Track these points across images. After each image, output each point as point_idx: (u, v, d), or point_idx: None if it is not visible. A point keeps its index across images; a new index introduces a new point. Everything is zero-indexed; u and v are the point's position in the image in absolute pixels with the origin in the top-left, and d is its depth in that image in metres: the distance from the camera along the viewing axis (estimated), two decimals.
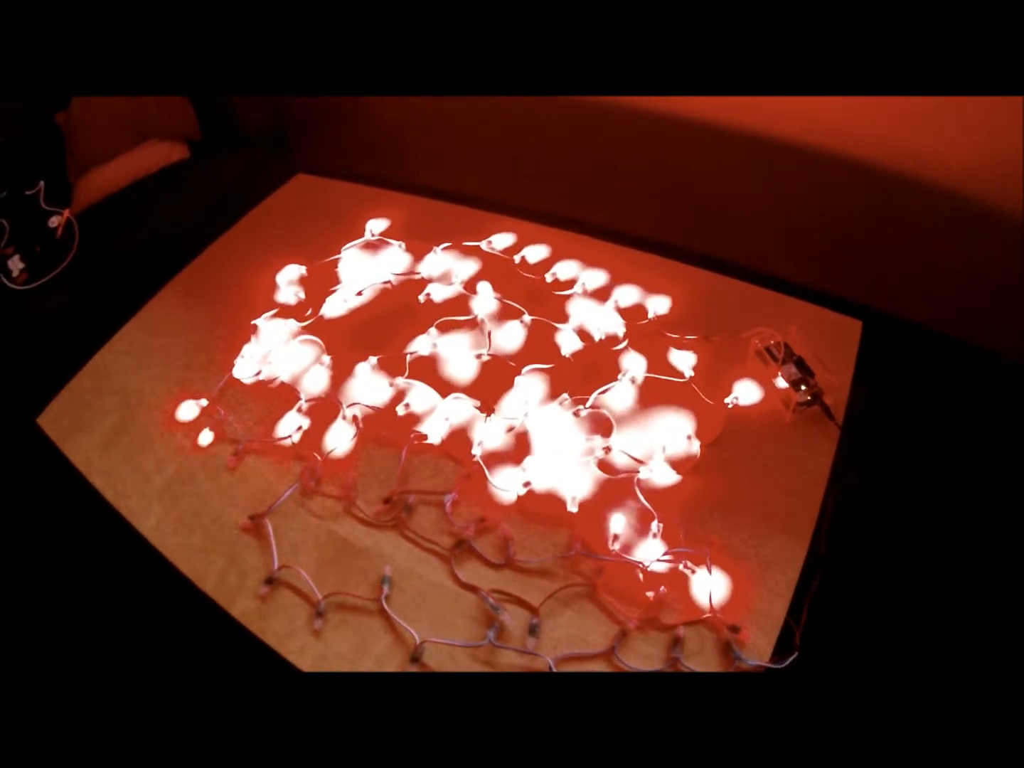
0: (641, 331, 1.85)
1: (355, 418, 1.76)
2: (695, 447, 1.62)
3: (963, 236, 2.06)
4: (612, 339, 1.85)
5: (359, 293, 2.07)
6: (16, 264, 2.46)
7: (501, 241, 2.15)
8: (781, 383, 1.66)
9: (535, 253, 2.10)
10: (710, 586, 1.41)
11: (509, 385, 1.78)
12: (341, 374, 1.87)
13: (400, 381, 1.82)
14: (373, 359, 1.87)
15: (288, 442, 1.74)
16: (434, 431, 1.71)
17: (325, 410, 1.80)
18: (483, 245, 2.14)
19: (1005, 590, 1.48)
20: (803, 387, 1.63)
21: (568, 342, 1.85)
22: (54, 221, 2.53)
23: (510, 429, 1.70)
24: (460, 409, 1.75)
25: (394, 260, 2.15)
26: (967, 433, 1.69)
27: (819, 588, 1.44)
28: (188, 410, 1.85)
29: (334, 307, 2.04)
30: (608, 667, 1.35)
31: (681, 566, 1.45)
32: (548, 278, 2.01)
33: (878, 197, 2.16)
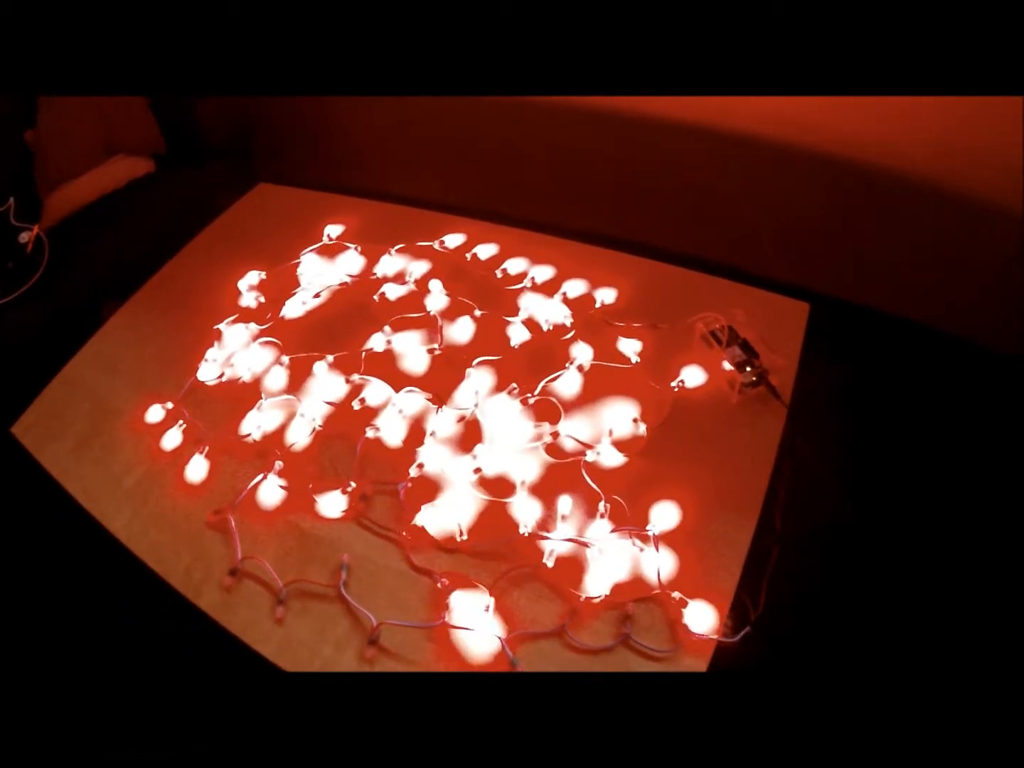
0: (588, 321, 1.91)
1: (313, 415, 1.81)
2: (642, 430, 1.66)
3: (944, 228, 2.10)
4: (560, 330, 1.89)
5: (317, 295, 2.12)
6: None
7: (453, 241, 2.20)
8: (727, 366, 1.71)
9: (485, 251, 2.15)
10: (658, 563, 1.45)
11: (461, 377, 1.82)
12: (300, 373, 1.92)
13: (355, 377, 1.86)
14: (330, 357, 1.92)
15: (250, 440, 1.79)
16: (389, 426, 1.76)
17: (284, 408, 1.85)
18: (435, 245, 2.19)
19: (956, 561, 1.52)
20: (748, 368, 1.68)
21: (517, 334, 1.90)
22: (24, 237, 2.57)
23: (461, 419, 1.75)
24: (413, 402, 1.80)
25: (350, 262, 2.21)
26: (926, 414, 1.72)
27: (776, 565, 1.47)
28: (155, 414, 1.90)
29: (293, 309, 2.10)
30: (560, 644, 1.39)
31: (631, 543, 1.48)
32: (498, 274, 2.07)
33: (855, 190, 2.20)
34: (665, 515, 1.53)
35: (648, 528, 1.50)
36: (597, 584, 1.45)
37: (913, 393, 1.77)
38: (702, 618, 1.38)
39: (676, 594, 1.40)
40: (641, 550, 1.48)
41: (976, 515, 1.57)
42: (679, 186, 2.46)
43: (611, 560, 1.48)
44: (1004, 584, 1.48)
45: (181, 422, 1.86)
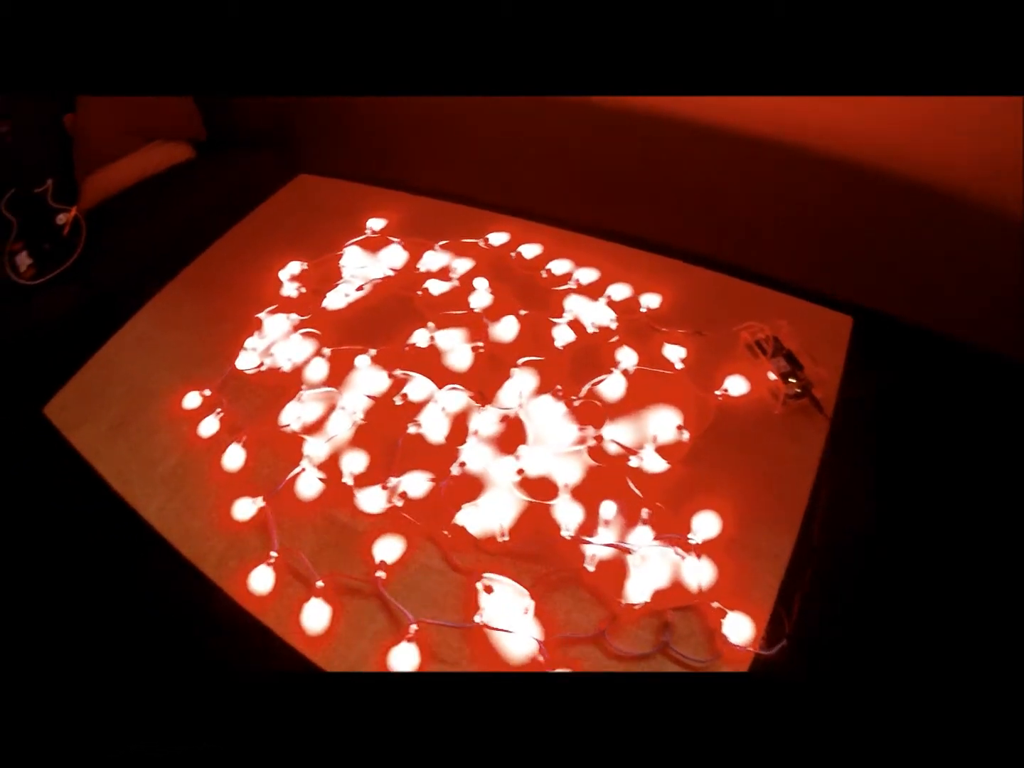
0: (633, 325, 1.89)
1: (354, 408, 1.79)
2: (685, 437, 1.64)
3: (961, 235, 2.08)
4: (605, 333, 1.87)
5: (359, 288, 2.11)
6: (24, 260, 2.49)
7: (496, 238, 2.19)
8: (771, 376, 1.69)
9: (529, 250, 2.13)
10: (699, 572, 1.43)
11: (504, 376, 1.81)
12: (341, 366, 1.91)
13: (398, 372, 1.85)
14: (372, 351, 1.91)
15: (288, 431, 1.78)
16: (432, 423, 1.74)
17: (325, 400, 1.84)
18: (480, 242, 2.18)
19: (994, 583, 1.50)
20: (792, 380, 1.66)
21: (562, 335, 1.88)
22: (61, 219, 2.57)
23: (504, 419, 1.73)
24: (456, 399, 1.78)
25: (393, 256, 2.19)
26: (961, 431, 1.70)
27: (812, 579, 1.45)
28: (192, 400, 1.89)
29: (335, 301, 2.08)
30: (598, 650, 1.38)
31: (672, 552, 1.47)
32: (543, 274, 2.05)
33: (874, 196, 2.18)
34: (706, 524, 1.51)
35: (690, 536, 1.48)
36: (637, 591, 1.43)
37: (952, 409, 1.75)
38: (740, 629, 1.36)
39: (715, 604, 1.38)
40: (682, 558, 1.46)
41: (1019, 534, 1.55)
42: (720, 193, 2.45)
43: (652, 567, 1.46)
44: None
45: (219, 410, 1.84)
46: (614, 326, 1.88)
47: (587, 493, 1.59)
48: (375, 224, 2.31)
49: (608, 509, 1.54)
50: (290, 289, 2.14)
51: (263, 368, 1.94)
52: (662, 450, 1.63)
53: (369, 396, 1.83)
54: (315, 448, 1.73)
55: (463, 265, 2.12)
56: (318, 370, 1.91)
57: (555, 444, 1.67)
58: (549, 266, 2.06)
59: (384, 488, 1.64)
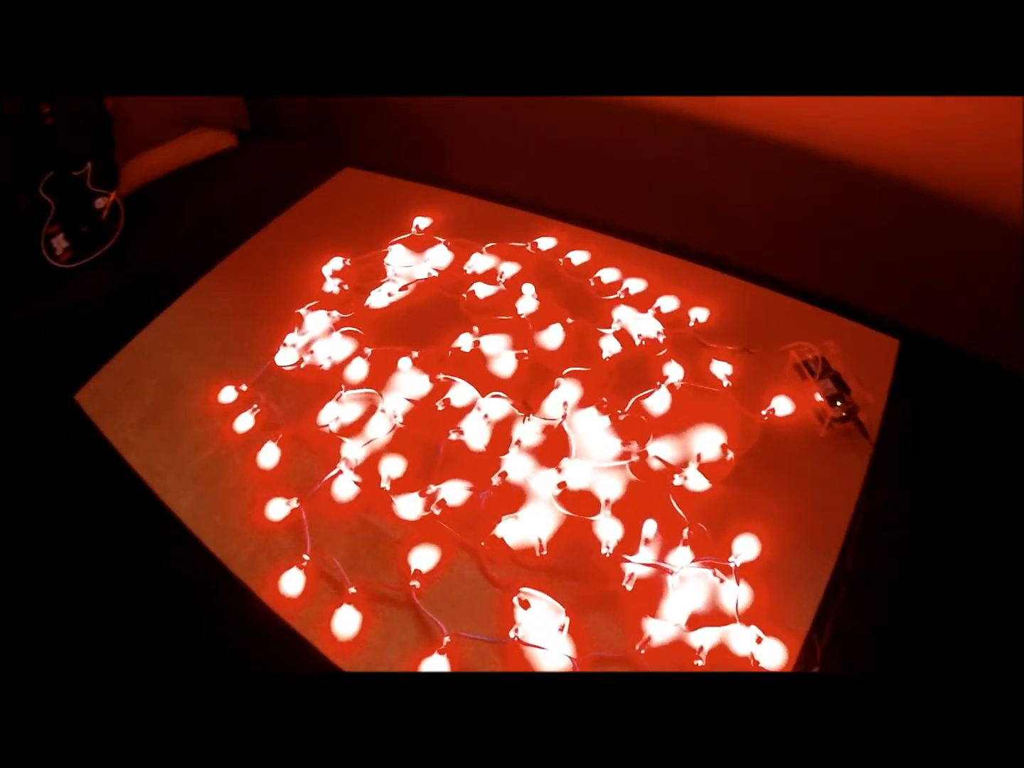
0: (680, 339, 1.86)
1: (394, 411, 1.77)
2: (729, 457, 1.62)
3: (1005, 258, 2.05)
4: (652, 345, 1.84)
5: (403, 288, 2.08)
6: (60, 243, 2.49)
7: (545, 243, 2.16)
8: (817, 398, 1.66)
9: (578, 257, 2.10)
10: (737, 596, 1.41)
11: (549, 386, 1.78)
12: (382, 367, 1.88)
13: (440, 377, 1.82)
14: (415, 353, 1.88)
15: (326, 431, 1.75)
16: (473, 430, 1.72)
17: (364, 401, 1.81)
18: (527, 247, 2.15)
19: None
20: (839, 403, 1.63)
21: (608, 346, 1.85)
22: (100, 203, 2.56)
23: (548, 429, 1.71)
24: (499, 407, 1.76)
25: (439, 257, 2.17)
26: (1001, 458, 1.68)
27: (844, 605, 1.43)
28: (228, 394, 1.86)
29: (378, 300, 2.06)
30: (631, 670, 1.36)
31: (710, 574, 1.45)
32: (591, 282, 2.02)
33: (919, 214, 2.16)
34: (746, 546, 1.48)
35: (730, 560, 1.45)
36: (674, 612, 1.41)
37: (990, 436, 1.72)
38: (774, 654, 1.34)
39: (752, 628, 1.36)
40: (721, 581, 1.43)
41: None
42: (767, 206, 2.43)
43: (690, 589, 1.44)
44: None
45: (255, 406, 1.82)
46: (661, 339, 1.85)
47: (628, 510, 1.56)
48: (421, 222, 2.29)
49: (649, 528, 1.51)
50: (332, 285, 2.12)
51: (302, 365, 1.91)
52: (705, 469, 1.60)
53: (410, 400, 1.80)
54: (353, 450, 1.70)
55: (510, 269, 2.09)
56: (358, 370, 1.89)
57: (598, 458, 1.64)
58: (598, 274, 2.03)
59: (422, 495, 1.61)
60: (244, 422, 1.80)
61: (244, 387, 1.87)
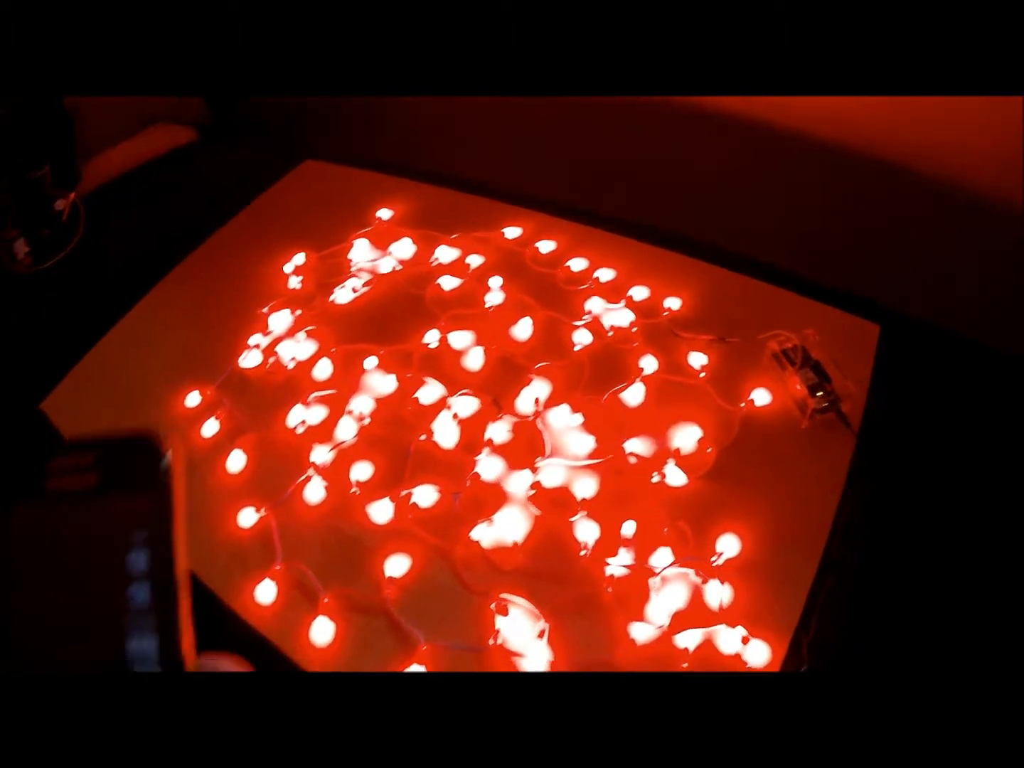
0: (654, 329, 1.83)
1: (361, 413, 1.73)
2: (708, 451, 1.59)
3: (989, 239, 2.04)
4: (624, 337, 1.81)
5: (368, 283, 2.04)
6: (21, 247, 2.43)
7: (512, 233, 2.12)
8: (797, 388, 1.64)
9: (545, 246, 2.07)
10: (720, 595, 1.38)
11: (519, 381, 1.75)
12: (348, 366, 1.84)
13: (408, 376, 1.78)
14: (381, 351, 1.84)
15: (294, 434, 1.71)
16: (443, 430, 1.68)
17: (331, 403, 1.77)
18: (494, 237, 2.12)
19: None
20: (820, 393, 1.60)
21: (580, 339, 1.82)
22: (60, 204, 2.51)
23: (520, 427, 1.67)
24: (469, 405, 1.72)
25: (404, 249, 2.12)
26: (986, 443, 1.65)
27: (831, 599, 1.41)
28: (193, 399, 1.81)
29: (342, 296, 2.02)
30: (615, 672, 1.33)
31: (692, 574, 1.42)
32: (560, 273, 1.99)
33: (897, 196, 2.14)
34: (728, 545, 1.45)
35: (712, 559, 1.43)
36: (656, 613, 1.38)
37: (976, 420, 1.69)
38: (761, 654, 1.32)
39: (737, 628, 1.33)
40: (704, 581, 1.40)
41: None
42: (742, 188, 2.40)
43: (672, 589, 1.41)
44: None
45: (219, 411, 1.78)
46: (634, 330, 1.82)
47: (606, 509, 1.53)
48: (385, 215, 2.25)
49: (628, 528, 1.48)
50: (295, 283, 2.07)
51: (267, 367, 1.87)
52: (684, 464, 1.58)
53: (377, 400, 1.75)
54: (321, 455, 1.66)
55: (476, 260, 2.06)
56: (324, 370, 1.84)
57: (573, 456, 1.62)
58: (567, 264, 2.01)
59: (393, 500, 1.57)
60: (209, 428, 1.75)
61: (208, 392, 1.82)
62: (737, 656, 1.32)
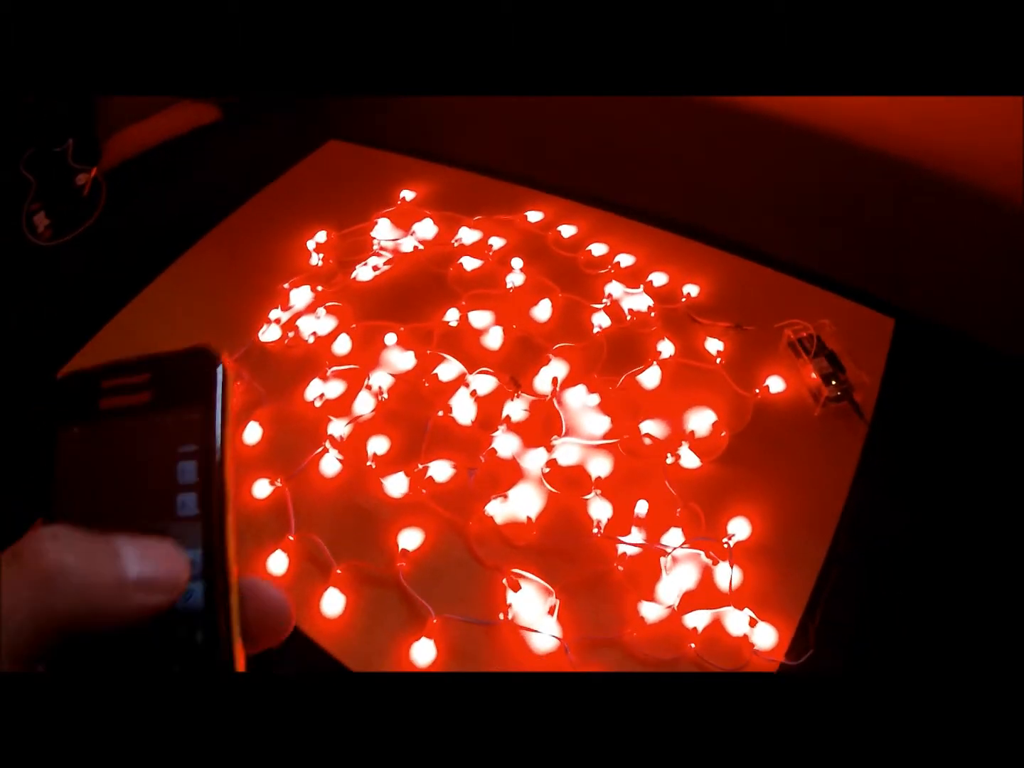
0: (672, 315, 1.84)
1: (380, 388, 1.73)
2: (722, 435, 1.60)
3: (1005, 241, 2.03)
4: (643, 321, 1.82)
5: (389, 262, 2.05)
6: (41, 220, 2.45)
7: (533, 217, 2.13)
8: (812, 377, 1.64)
9: (567, 231, 2.08)
10: (730, 577, 1.39)
11: (537, 361, 1.75)
12: (368, 342, 1.85)
13: (427, 352, 1.79)
14: (401, 328, 1.85)
15: (312, 407, 1.72)
16: (461, 407, 1.69)
17: (350, 377, 1.78)
18: (517, 220, 2.12)
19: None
20: (834, 382, 1.61)
21: (599, 322, 1.82)
22: (81, 179, 2.52)
23: (537, 406, 1.68)
24: (487, 383, 1.73)
25: (426, 230, 2.13)
26: (994, 440, 1.65)
27: (838, 587, 1.41)
28: None
29: (364, 274, 2.02)
30: (622, 652, 1.34)
31: (702, 555, 1.43)
32: (581, 256, 2.00)
33: (920, 195, 2.13)
34: (740, 527, 1.46)
35: (724, 540, 1.43)
36: (667, 593, 1.39)
37: (987, 418, 1.70)
38: (768, 637, 1.33)
39: (746, 611, 1.34)
40: (714, 562, 1.41)
41: None
42: (762, 183, 2.40)
43: (683, 570, 1.42)
44: None
45: (237, 383, 1.78)
46: (653, 315, 1.83)
47: (620, 489, 1.54)
48: (408, 195, 2.25)
49: (641, 508, 1.49)
50: (316, 259, 2.08)
51: (286, 341, 1.87)
52: (697, 448, 1.58)
53: (396, 376, 1.76)
54: (337, 428, 1.67)
55: (497, 242, 2.06)
56: (343, 346, 1.85)
57: (589, 435, 1.62)
58: (588, 248, 2.01)
59: (409, 474, 1.58)
60: None
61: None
62: (745, 638, 1.33)
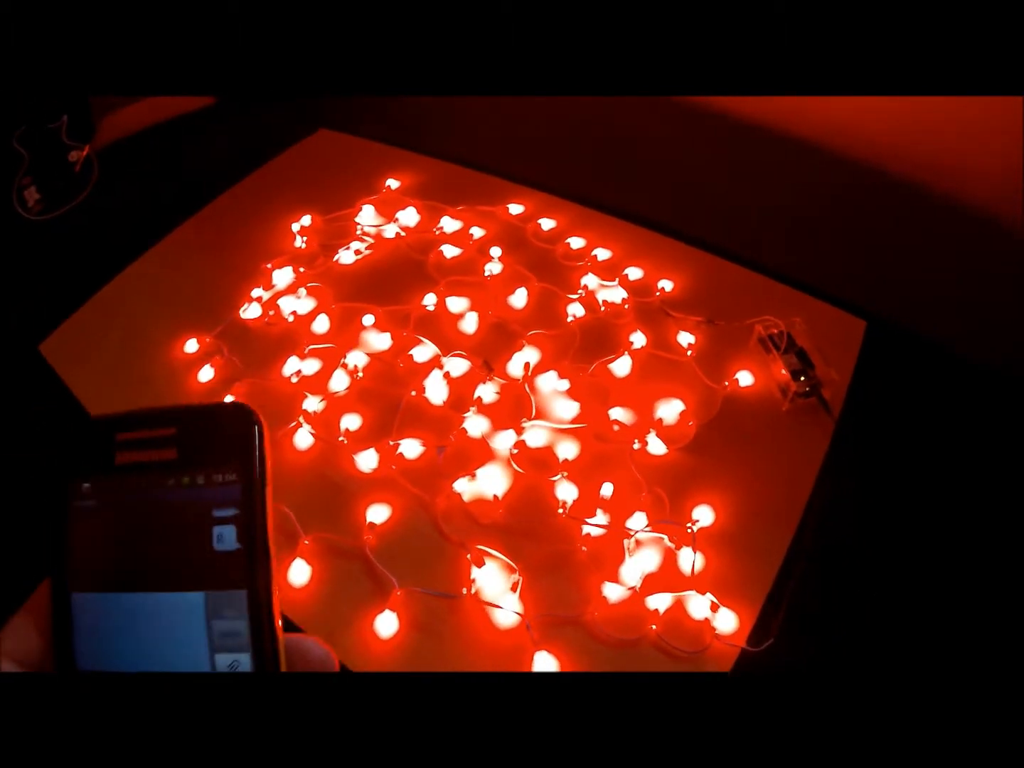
0: (646, 308, 1.86)
1: (355, 366, 1.76)
2: (689, 424, 1.62)
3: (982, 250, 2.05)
4: (616, 312, 1.85)
5: (371, 247, 2.07)
6: (32, 195, 2.46)
7: (516, 209, 2.16)
8: (781, 372, 1.67)
9: (548, 224, 2.10)
10: (692, 562, 1.41)
11: (511, 347, 1.78)
12: (346, 322, 1.88)
13: (403, 334, 1.81)
14: (379, 310, 1.87)
15: (288, 383, 1.75)
16: (434, 388, 1.71)
17: (327, 356, 1.81)
18: (498, 211, 2.15)
19: (992, 592, 1.47)
20: (802, 378, 1.63)
21: (573, 311, 1.85)
22: (74, 156, 2.54)
23: (509, 390, 1.71)
24: (460, 366, 1.76)
25: (409, 217, 2.16)
26: (959, 443, 1.68)
27: (801, 580, 1.43)
28: (191, 346, 1.85)
29: (346, 258, 2.05)
30: (584, 632, 1.36)
31: (666, 539, 1.45)
32: (559, 249, 2.02)
33: (898, 203, 2.15)
34: (704, 514, 1.49)
35: (688, 525, 1.45)
36: (629, 575, 1.41)
37: (954, 419, 1.72)
38: (730, 623, 1.35)
39: (708, 596, 1.36)
40: (677, 547, 1.44)
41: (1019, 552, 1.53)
42: (742, 188, 2.42)
43: (646, 553, 1.45)
44: None
45: (216, 358, 1.81)
46: (626, 307, 1.85)
47: (586, 472, 1.56)
48: (393, 184, 2.29)
49: (606, 490, 1.51)
50: (301, 242, 2.11)
51: (267, 319, 1.90)
52: (664, 435, 1.61)
53: (372, 356, 1.79)
54: (312, 404, 1.69)
55: (479, 232, 2.09)
56: (322, 325, 1.88)
57: (558, 419, 1.65)
58: (566, 241, 2.04)
59: (380, 450, 1.60)
60: (205, 374, 1.78)
61: (207, 339, 1.85)
62: (706, 622, 1.35)
